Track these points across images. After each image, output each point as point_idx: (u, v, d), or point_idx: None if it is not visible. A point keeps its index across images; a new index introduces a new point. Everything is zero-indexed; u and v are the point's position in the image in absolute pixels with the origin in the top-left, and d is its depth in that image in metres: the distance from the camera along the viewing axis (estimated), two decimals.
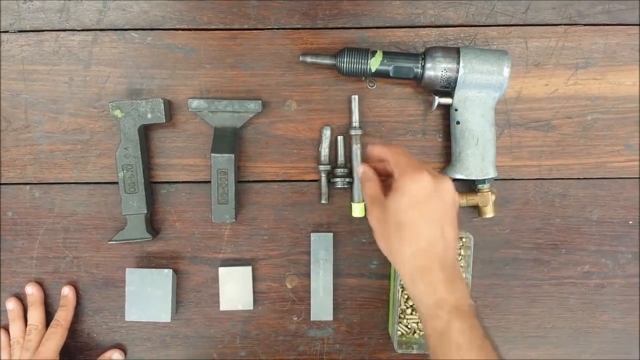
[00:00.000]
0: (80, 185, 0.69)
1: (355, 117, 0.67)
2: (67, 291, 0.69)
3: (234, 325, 0.71)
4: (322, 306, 0.70)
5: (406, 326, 0.68)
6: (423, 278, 0.52)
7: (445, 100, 0.65)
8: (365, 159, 0.64)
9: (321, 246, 0.69)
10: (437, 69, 0.63)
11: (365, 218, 0.68)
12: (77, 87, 0.68)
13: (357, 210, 0.68)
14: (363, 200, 0.68)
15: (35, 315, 0.68)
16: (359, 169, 0.61)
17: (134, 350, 0.71)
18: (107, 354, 0.70)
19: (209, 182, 0.67)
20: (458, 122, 0.65)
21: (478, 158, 0.65)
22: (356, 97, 0.67)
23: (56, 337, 0.66)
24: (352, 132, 0.67)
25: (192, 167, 0.69)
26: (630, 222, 0.71)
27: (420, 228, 0.52)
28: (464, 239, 0.67)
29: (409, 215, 0.53)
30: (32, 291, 0.69)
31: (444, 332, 0.50)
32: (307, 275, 0.70)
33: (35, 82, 0.68)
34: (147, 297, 0.68)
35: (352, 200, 0.69)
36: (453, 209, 0.55)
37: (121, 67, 0.68)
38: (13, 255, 0.70)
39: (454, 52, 0.63)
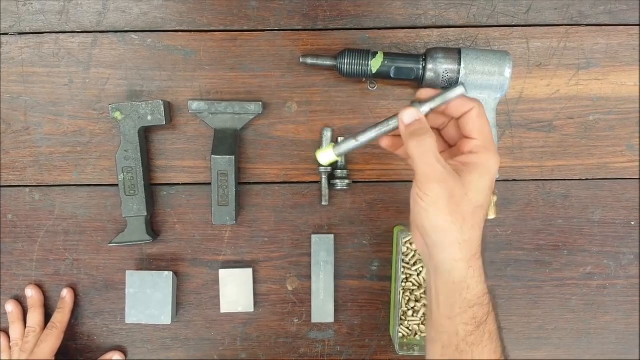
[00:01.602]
0: (80, 188, 0.69)
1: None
2: (65, 294, 0.69)
3: (235, 327, 0.71)
4: (323, 308, 0.70)
5: (407, 328, 0.68)
6: (476, 264, 0.46)
7: None
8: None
9: (322, 248, 0.69)
10: (438, 70, 0.63)
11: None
12: (77, 89, 0.68)
13: (325, 157, 0.50)
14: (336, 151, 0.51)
15: (34, 317, 0.68)
16: (407, 112, 0.46)
17: (134, 352, 0.71)
18: (107, 356, 0.70)
19: (210, 184, 0.67)
20: None
21: None
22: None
23: (51, 339, 0.66)
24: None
25: (192, 169, 0.69)
26: (632, 223, 0.71)
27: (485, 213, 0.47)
28: None
29: (487, 199, 0.46)
30: (31, 294, 0.69)
31: (483, 321, 0.47)
32: (308, 277, 0.70)
33: (35, 84, 0.68)
34: (148, 299, 0.67)
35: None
36: None
37: (121, 69, 0.67)
38: (13, 257, 0.70)
39: (455, 53, 0.63)
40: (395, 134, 0.49)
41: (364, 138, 0.49)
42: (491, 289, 0.49)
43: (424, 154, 0.44)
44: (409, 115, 0.46)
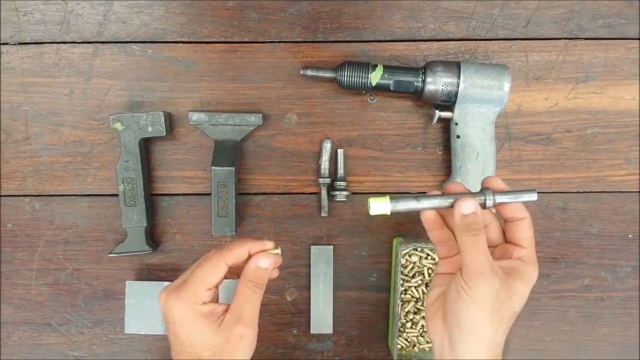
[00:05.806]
0: (81, 198, 0.69)
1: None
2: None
3: None
4: (321, 319, 0.70)
5: (406, 339, 0.68)
6: None
7: (446, 114, 0.65)
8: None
9: (321, 259, 0.69)
10: (437, 84, 0.63)
11: (370, 228, 0.68)
12: (78, 100, 0.68)
13: (377, 207, 0.48)
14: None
15: None
16: (466, 203, 0.45)
17: None
18: (254, 261, 0.53)
19: (209, 194, 0.67)
20: (458, 136, 0.65)
21: (478, 172, 0.65)
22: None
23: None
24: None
25: (192, 179, 0.69)
26: (630, 236, 0.71)
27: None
28: None
29: (520, 307, 0.46)
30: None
31: None
32: (307, 287, 0.70)
33: (36, 94, 0.68)
34: (147, 309, 0.68)
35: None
36: None
37: (122, 79, 0.68)
38: (13, 267, 0.70)
39: (455, 67, 0.63)
40: (441, 212, 0.48)
41: (425, 203, 0.47)
42: None
43: (475, 249, 0.44)
44: (467, 206, 0.46)
